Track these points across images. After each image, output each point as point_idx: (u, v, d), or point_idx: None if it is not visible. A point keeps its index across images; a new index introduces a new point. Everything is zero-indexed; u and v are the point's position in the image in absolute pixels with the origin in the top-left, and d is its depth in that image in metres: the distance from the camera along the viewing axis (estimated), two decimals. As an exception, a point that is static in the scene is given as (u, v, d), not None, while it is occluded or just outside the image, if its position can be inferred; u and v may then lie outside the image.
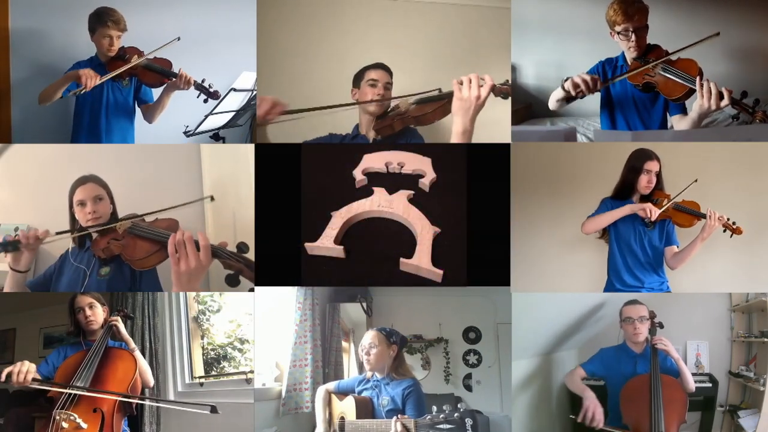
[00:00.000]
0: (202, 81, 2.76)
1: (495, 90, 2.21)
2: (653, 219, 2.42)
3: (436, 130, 2.61)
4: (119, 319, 2.42)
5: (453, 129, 2.21)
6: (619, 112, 2.71)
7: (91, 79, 2.62)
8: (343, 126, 2.69)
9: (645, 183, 2.50)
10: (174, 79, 2.73)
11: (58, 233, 2.30)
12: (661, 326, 2.47)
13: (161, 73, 2.75)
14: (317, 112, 2.98)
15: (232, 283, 2.02)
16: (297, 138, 2.59)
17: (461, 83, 2.18)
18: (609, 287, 2.58)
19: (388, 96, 2.60)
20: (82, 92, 2.65)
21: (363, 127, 2.61)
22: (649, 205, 2.43)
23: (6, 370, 2.10)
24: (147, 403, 2.51)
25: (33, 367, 2.13)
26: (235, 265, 2.03)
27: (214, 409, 2.09)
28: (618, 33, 2.63)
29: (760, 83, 2.93)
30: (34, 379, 2.11)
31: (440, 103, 2.41)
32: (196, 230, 2.10)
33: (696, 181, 2.48)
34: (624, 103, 2.70)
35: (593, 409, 2.27)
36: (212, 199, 2.44)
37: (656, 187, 2.53)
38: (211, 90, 2.76)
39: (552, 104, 2.79)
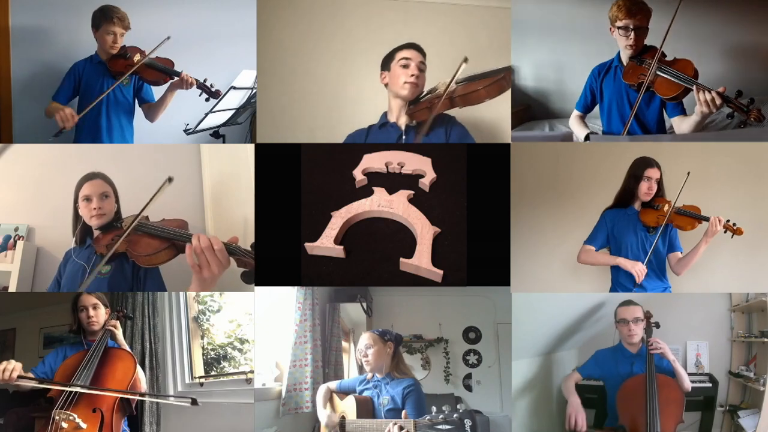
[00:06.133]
0: (204, 80, 2.76)
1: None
2: (639, 282, 2.42)
3: (483, 126, 2.36)
4: (117, 324, 2.42)
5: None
6: (616, 113, 2.71)
7: (68, 122, 2.62)
8: (367, 118, 2.56)
9: (645, 190, 2.53)
10: (176, 78, 2.74)
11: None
12: (657, 326, 2.47)
13: (163, 71, 2.75)
14: (335, 104, 2.90)
15: (248, 280, 2.04)
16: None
17: None
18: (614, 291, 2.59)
19: (423, 78, 2.43)
20: (63, 132, 2.64)
21: (393, 113, 2.47)
22: (639, 267, 2.41)
23: None
24: (146, 401, 2.50)
25: (19, 365, 2.11)
26: (250, 263, 2.04)
27: (194, 402, 2.10)
28: (618, 29, 2.64)
29: (758, 82, 2.92)
30: (20, 377, 2.09)
31: (494, 78, 2.19)
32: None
33: (689, 174, 2.47)
34: (620, 104, 2.70)
35: (575, 414, 2.33)
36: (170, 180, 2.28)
37: (657, 194, 2.55)
38: (213, 89, 2.77)
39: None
